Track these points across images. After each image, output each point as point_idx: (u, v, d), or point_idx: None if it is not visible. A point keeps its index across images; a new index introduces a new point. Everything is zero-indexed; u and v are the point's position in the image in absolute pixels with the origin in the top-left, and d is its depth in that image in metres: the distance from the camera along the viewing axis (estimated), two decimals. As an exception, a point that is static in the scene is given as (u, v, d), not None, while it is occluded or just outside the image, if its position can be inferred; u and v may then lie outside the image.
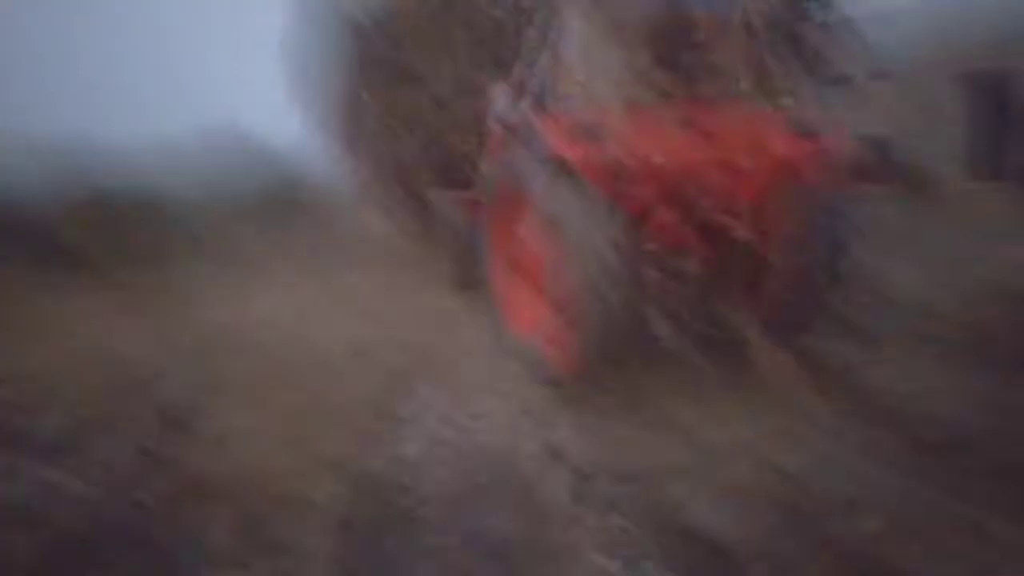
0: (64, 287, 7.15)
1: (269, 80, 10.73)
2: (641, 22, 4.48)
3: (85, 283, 7.27)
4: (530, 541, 2.78)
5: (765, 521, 2.84)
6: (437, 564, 2.68)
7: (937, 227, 8.36)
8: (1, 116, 9.46)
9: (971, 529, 2.70)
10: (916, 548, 2.61)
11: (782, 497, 3.01)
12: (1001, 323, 5.00)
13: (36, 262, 7.50)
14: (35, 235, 8.06)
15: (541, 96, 4.90)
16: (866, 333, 4.91)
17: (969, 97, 11.53)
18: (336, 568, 2.65)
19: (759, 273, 4.32)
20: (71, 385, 4.46)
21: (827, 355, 4.64)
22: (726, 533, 2.75)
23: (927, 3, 12.25)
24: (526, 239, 4.66)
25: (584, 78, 4.48)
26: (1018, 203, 9.38)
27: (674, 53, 4.54)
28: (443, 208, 6.92)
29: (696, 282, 4.45)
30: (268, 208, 11.01)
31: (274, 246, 9.04)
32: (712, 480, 3.17)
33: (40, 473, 3.33)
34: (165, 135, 11.10)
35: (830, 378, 4.23)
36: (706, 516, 2.89)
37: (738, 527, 2.78)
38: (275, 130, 11.74)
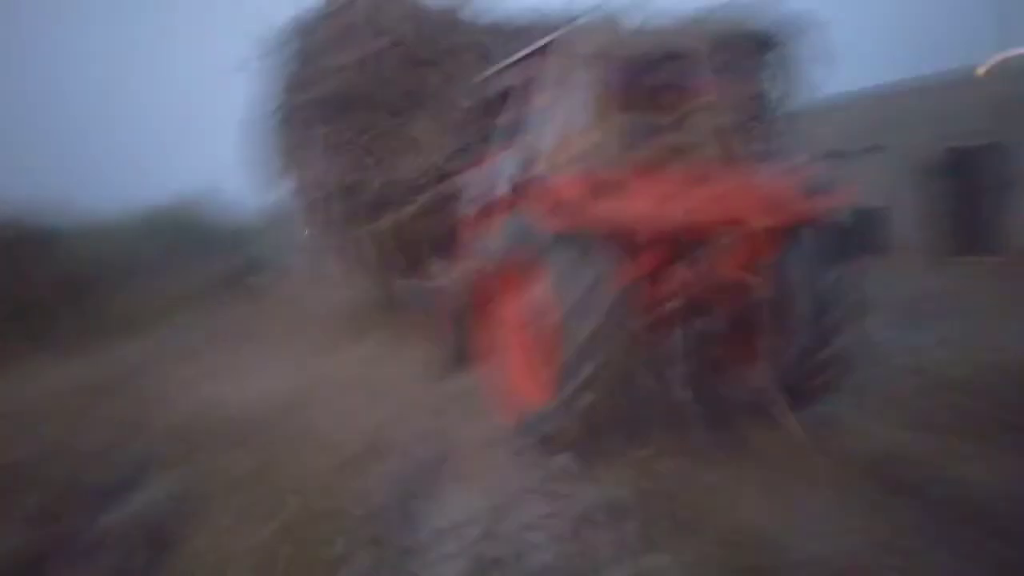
0: (27, 359, 6.33)
1: (234, 155, 10.32)
2: (638, 86, 4.44)
3: (48, 356, 6.49)
4: None
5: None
6: None
7: (933, 298, 8.35)
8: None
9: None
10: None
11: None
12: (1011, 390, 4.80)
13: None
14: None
15: (535, 165, 4.72)
16: (874, 397, 4.81)
17: (952, 172, 11.93)
18: None
19: (767, 336, 4.23)
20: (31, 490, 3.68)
21: (835, 419, 4.46)
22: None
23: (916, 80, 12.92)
24: (526, 310, 4.53)
25: (581, 145, 4.36)
26: (1006, 276, 9.58)
27: (673, 117, 4.49)
28: (421, 294, 6.70)
29: (704, 345, 4.38)
30: (233, 283, 10.36)
31: (248, 319, 8.38)
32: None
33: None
34: (129, 204, 10.46)
35: (836, 443, 4.11)
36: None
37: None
38: (241, 203, 11.25)
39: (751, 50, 4.69)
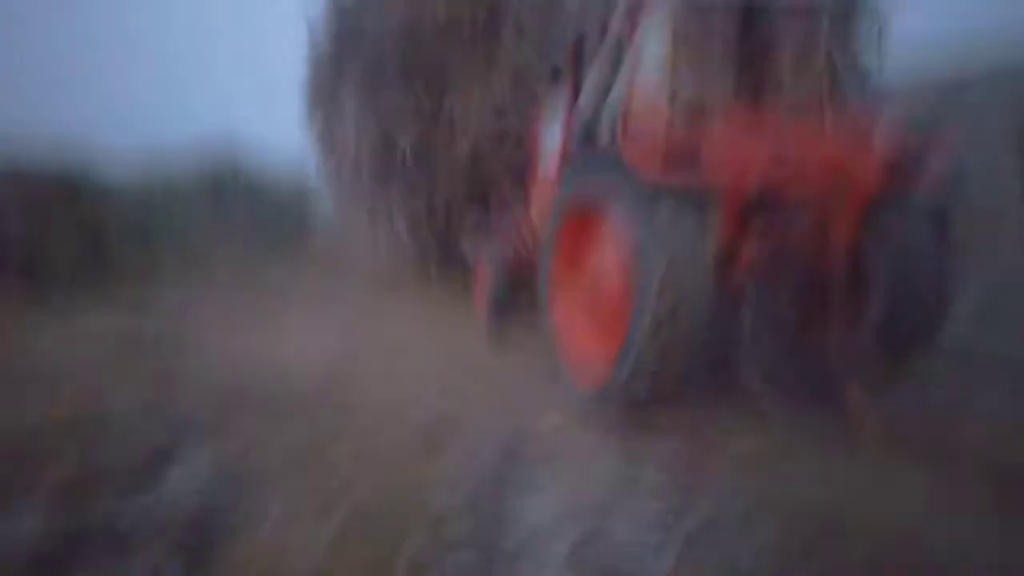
0: (53, 310, 5.90)
1: (277, 98, 9.74)
2: (720, 33, 4.16)
3: (77, 305, 6.05)
4: None
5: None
6: None
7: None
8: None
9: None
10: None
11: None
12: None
13: (22, 278, 6.22)
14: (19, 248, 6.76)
15: (618, 107, 4.43)
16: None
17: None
18: None
19: (856, 305, 3.84)
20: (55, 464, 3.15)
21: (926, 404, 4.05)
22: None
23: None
24: (598, 265, 4.27)
25: (669, 86, 4.09)
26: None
27: (755, 56, 4.24)
28: (480, 250, 6.52)
29: (792, 312, 3.95)
30: (271, 232, 9.84)
31: (283, 271, 7.88)
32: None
33: None
34: (162, 144, 9.97)
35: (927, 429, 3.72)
36: None
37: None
38: (280, 150, 10.73)
39: None
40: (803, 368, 4.01)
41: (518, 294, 5.80)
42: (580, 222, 4.38)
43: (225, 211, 9.63)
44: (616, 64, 4.59)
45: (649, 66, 4.22)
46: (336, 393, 4.30)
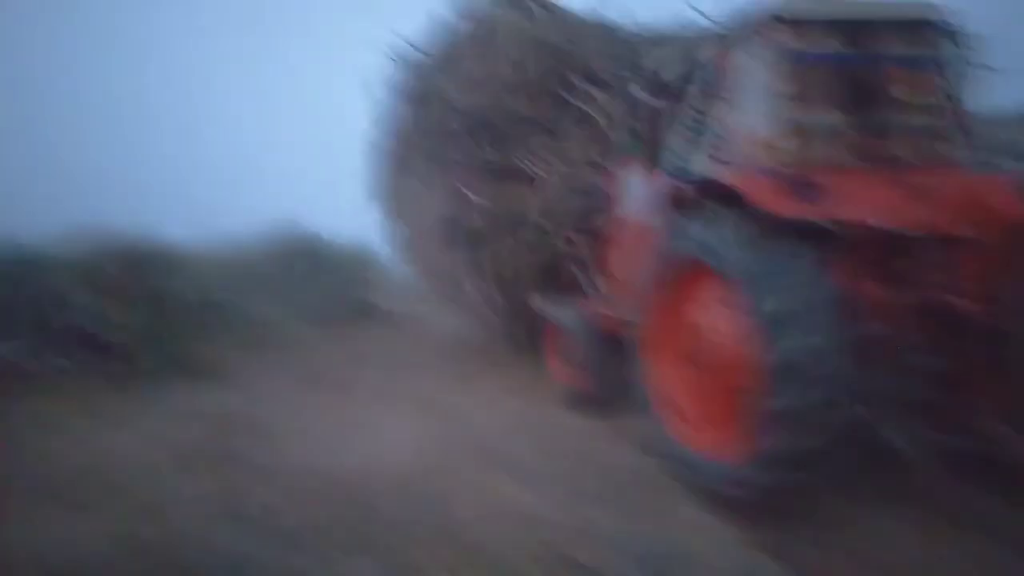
0: (110, 405, 5.85)
1: (343, 175, 10.01)
2: (832, 77, 4.09)
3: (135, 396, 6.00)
4: None
5: None
6: None
7: None
8: (62, 211, 8.60)
9: None
10: None
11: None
12: None
13: (83, 370, 6.27)
14: (83, 338, 6.77)
15: (719, 158, 4.37)
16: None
17: None
18: None
19: (1000, 364, 3.50)
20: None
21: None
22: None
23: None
24: (704, 323, 4.07)
25: (773, 136, 3.98)
26: None
27: (869, 112, 4.08)
28: (562, 314, 6.31)
29: (924, 373, 3.53)
30: (340, 315, 9.88)
31: (355, 360, 7.77)
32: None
33: None
34: (225, 234, 10.26)
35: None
36: None
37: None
38: (345, 230, 10.91)
39: (937, 39, 4.21)
40: (958, 434, 3.61)
41: (603, 370, 5.56)
42: (679, 290, 4.22)
43: (295, 289, 9.71)
44: (708, 102, 4.54)
45: (754, 100, 4.13)
46: (437, 510, 3.81)
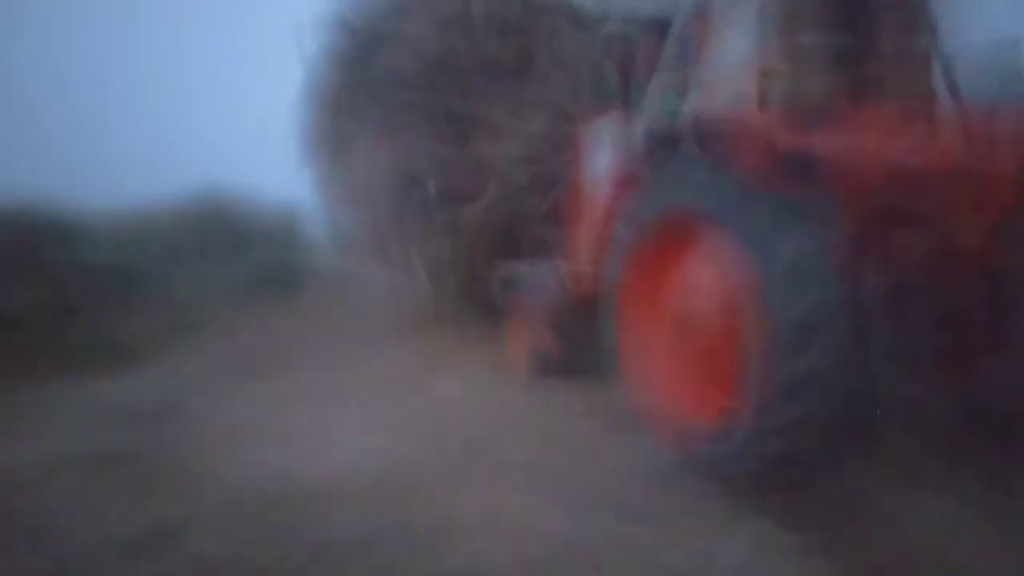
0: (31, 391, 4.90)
1: (267, 132, 9.01)
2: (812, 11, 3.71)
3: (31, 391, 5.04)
4: None
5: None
6: None
7: None
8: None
9: None
10: None
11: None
12: None
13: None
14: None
15: (703, 105, 3.90)
16: None
17: None
18: None
19: (1004, 323, 3.28)
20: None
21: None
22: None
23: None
24: (693, 280, 3.70)
25: (768, 64, 3.57)
26: None
27: (864, 36, 3.75)
28: (529, 275, 5.90)
29: (943, 329, 3.30)
30: (270, 286, 8.94)
31: (287, 323, 6.93)
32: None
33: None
34: (140, 199, 9.10)
35: None
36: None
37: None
38: (270, 192, 9.95)
39: None
40: (957, 405, 3.46)
41: (573, 334, 5.21)
42: (664, 244, 3.82)
43: (215, 259, 8.72)
44: (685, 64, 4.14)
45: (736, 61, 3.73)
46: (411, 509, 3.22)
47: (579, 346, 5.16)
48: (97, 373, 5.40)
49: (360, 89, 7.01)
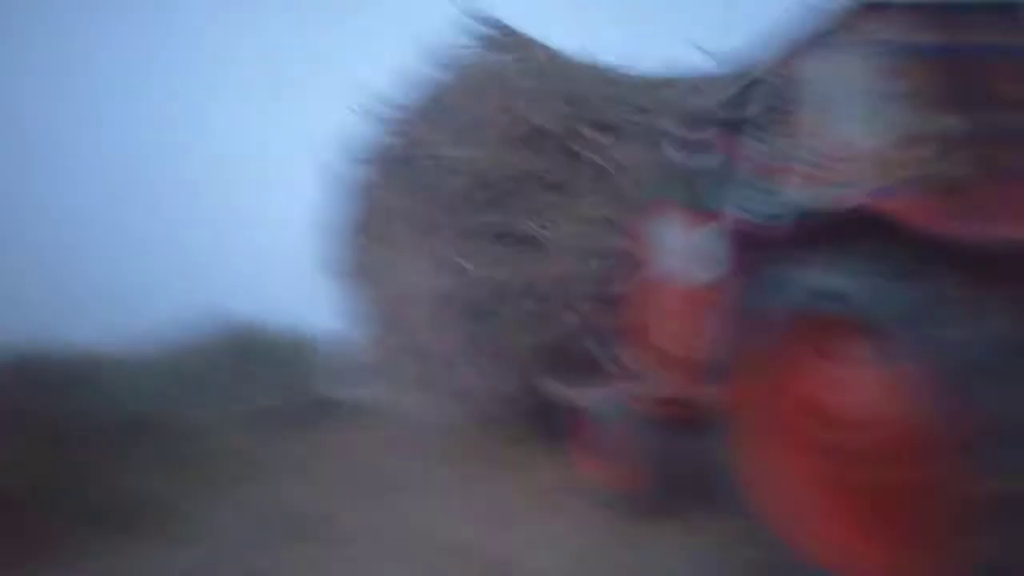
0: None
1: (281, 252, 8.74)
2: (942, 72, 3.30)
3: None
4: None
5: None
6: None
7: None
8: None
9: None
10: None
11: None
12: None
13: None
14: None
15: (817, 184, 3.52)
16: None
17: None
18: None
19: None
20: None
21: None
22: None
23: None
24: (831, 395, 3.18)
25: (885, 147, 3.24)
26: None
27: (984, 112, 3.29)
28: (590, 400, 5.49)
29: None
30: (295, 416, 8.31)
31: (331, 479, 6.20)
32: None
33: None
34: (148, 332, 8.68)
35: None
36: None
37: None
38: (284, 314, 9.55)
39: None
40: None
41: (663, 449, 4.75)
42: (790, 334, 3.35)
43: (238, 397, 8.16)
44: (779, 123, 3.81)
45: (851, 109, 3.43)
46: None
47: (670, 475, 4.67)
48: (132, 540, 4.70)
49: (396, 200, 6.84)
